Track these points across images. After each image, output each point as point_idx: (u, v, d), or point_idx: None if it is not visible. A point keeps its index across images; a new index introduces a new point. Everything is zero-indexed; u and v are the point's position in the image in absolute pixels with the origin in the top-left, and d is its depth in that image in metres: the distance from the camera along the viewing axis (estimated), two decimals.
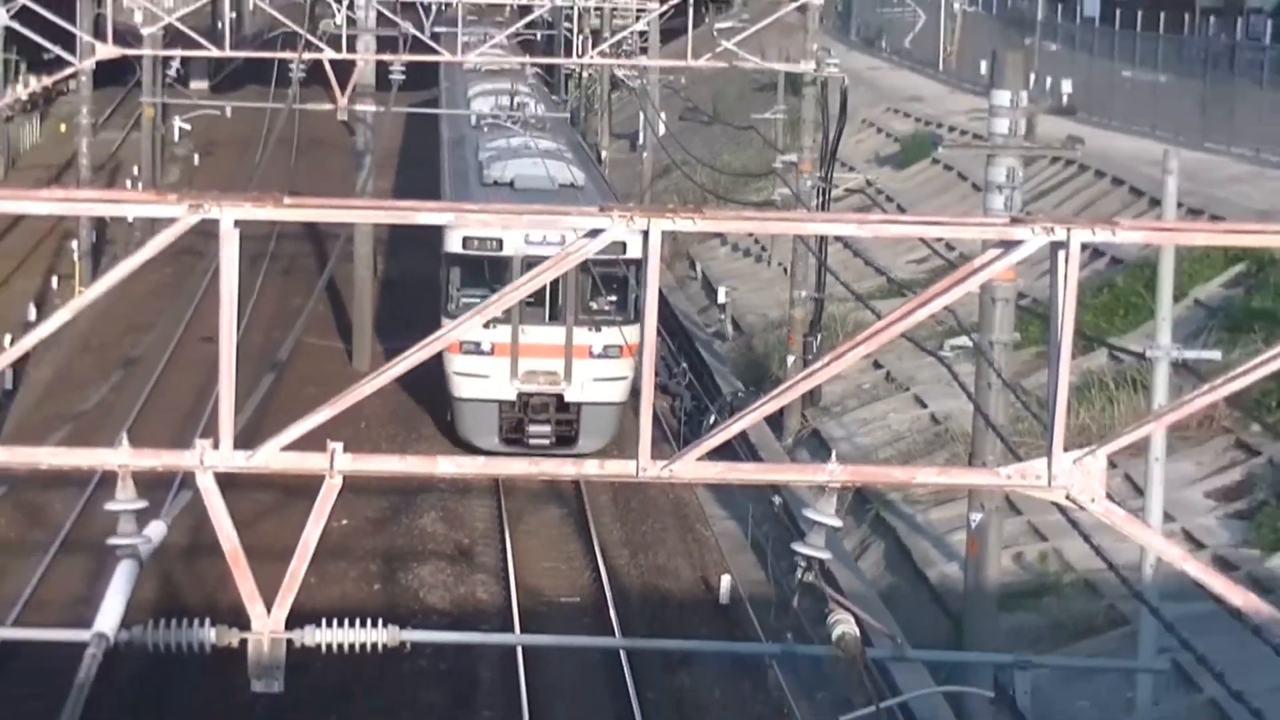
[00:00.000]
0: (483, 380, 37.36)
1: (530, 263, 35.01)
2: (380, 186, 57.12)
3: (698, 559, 33.92)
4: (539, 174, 40.80)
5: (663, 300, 42.54)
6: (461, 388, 37.70)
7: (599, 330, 37.74)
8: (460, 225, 35.93)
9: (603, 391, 37.89)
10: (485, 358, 37.40)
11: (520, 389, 37.62)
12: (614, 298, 38.42)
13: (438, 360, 35.76)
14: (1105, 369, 34.27)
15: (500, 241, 37.14)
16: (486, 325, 35.19)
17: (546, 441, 37.66)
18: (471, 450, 36.38)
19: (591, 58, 59.38)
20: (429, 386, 37.59)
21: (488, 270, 37.81)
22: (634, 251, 33.24)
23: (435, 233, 39.24)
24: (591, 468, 11.64)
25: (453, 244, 37.94)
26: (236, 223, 11.15)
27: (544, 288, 35.56)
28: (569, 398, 37.85)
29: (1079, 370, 32.66)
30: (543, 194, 39.16)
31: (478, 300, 34.62)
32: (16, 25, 46.09)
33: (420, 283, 44.20)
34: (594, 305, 38.17)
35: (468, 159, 45.88)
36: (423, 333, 12.15)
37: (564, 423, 38.04)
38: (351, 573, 32.68)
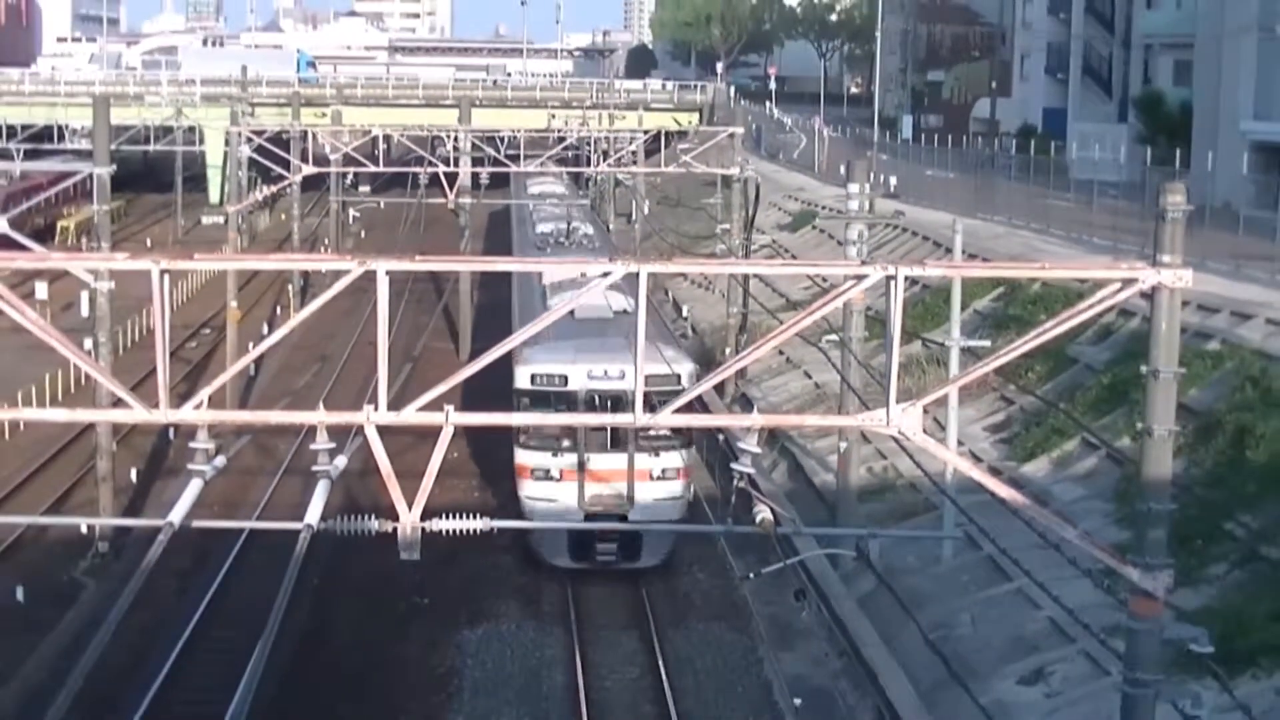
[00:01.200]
0: (553, 504, 26.71)
1: (592, 396, 26.39)
2: (474, 248, 57.02)
3: None
4: (597, 303, 28.85)
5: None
6: (534, 511, 26.82)
7: (657, 455, 26.90)
8: (527, 364, 26.88)
9: (662, 511, 26.78)
10: (555, 483, 26.75)
11: (587, 511, 26.66)
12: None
13: (512, 481, 27.80)
14: (920, 353, 34.25)
15: (565, 377, 26.66)
16: (555, 454, 26.61)
17: (612, 558, 27.03)
18: (544, 567, 27.47)
19: (602, 168, 59.35)
20: (502, 376, 35.49)
21: (553, 403, 26.54)
22: (686, 383, 25.60)
23: (508, 278, 38.25)
24: (606, 416, 11.59)
25: (522, 380, 27.07)
26: (387, 272, 11.13)
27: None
28: (632, 518, 26.63)
29: (905, 354, 32.60)
30: (600, 322, 28.49)
31: (543, 427, 26.46)
32: (255, 156, 46.36)
33: (499, 308, 43.84)
34: (652, 432, 26.59)
35: (534, 284, 33.82)
36: (499, 337, 12.12)
37: (627, 540, 26.87)
38: (460, 485, 32.50)
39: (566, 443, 26.74)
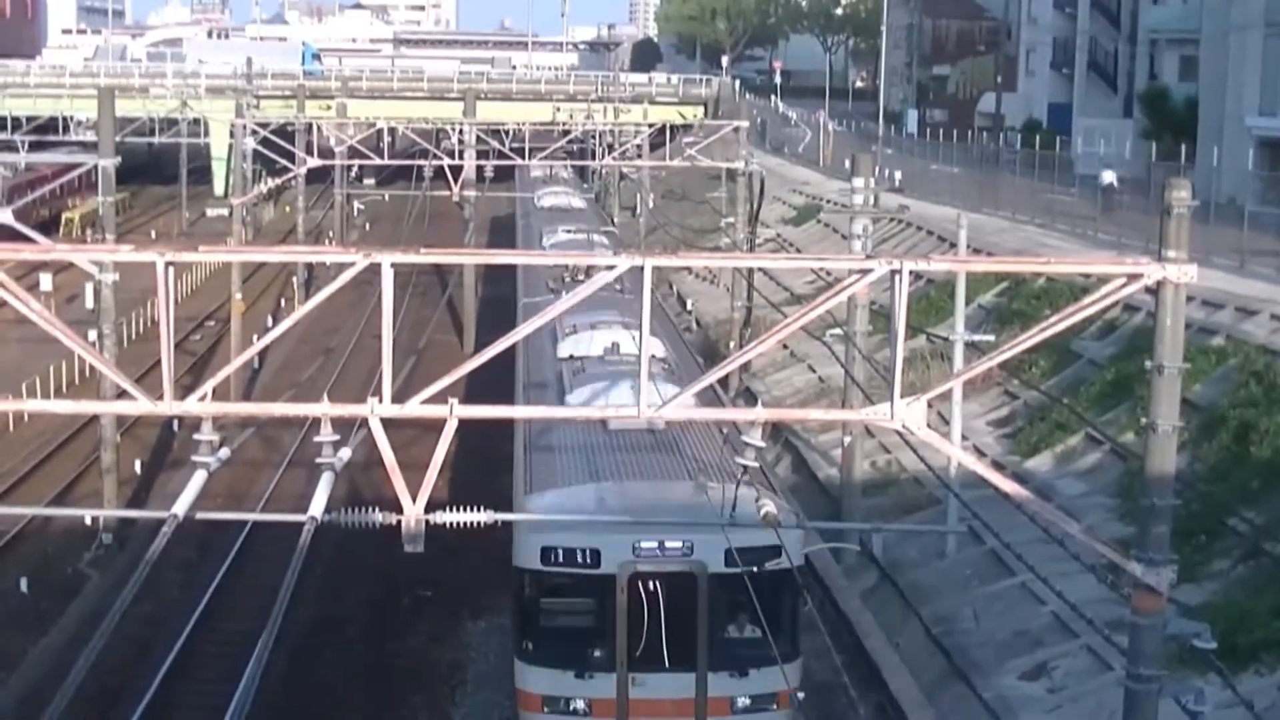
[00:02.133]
0: None
1: (635, 582, 16.34)
2: (479, 241, 57.06)
3: None
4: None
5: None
6: None
7: (745, 675, 16.54)
8: (538, 531, 16.72)
9: None
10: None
11: None
12: (760, 623, 16.23)
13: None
14: (924, 347, 34.21)
15: (597, 553, 16.39)
16: (580, 675, 16.45)
17: None
18: None
19: (606, 161, 59.30)
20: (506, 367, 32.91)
21: (581, 595, 16.79)
22: (788, 559, 16.75)
23: (513, 270, 38.01)
24: (610, 411, 11.60)
25: (527, 557, 16.85)
26: (392, 265, 11.11)
27: (661, 619, 16.35)
28: None
29: (908, 348, 32.52)
30: (646, 440, 18.74)
31: (562, 632, 16.89)
32: (260, 148, 46.37)
33: (503, 301, 43.75)
34: (734, 634, 16.87)
35: (547, 376, 23.71)
36: (501, 330, 12.11)
37: None
38: (463, 478, 32.50)
39: (599, 653, 16.65)
